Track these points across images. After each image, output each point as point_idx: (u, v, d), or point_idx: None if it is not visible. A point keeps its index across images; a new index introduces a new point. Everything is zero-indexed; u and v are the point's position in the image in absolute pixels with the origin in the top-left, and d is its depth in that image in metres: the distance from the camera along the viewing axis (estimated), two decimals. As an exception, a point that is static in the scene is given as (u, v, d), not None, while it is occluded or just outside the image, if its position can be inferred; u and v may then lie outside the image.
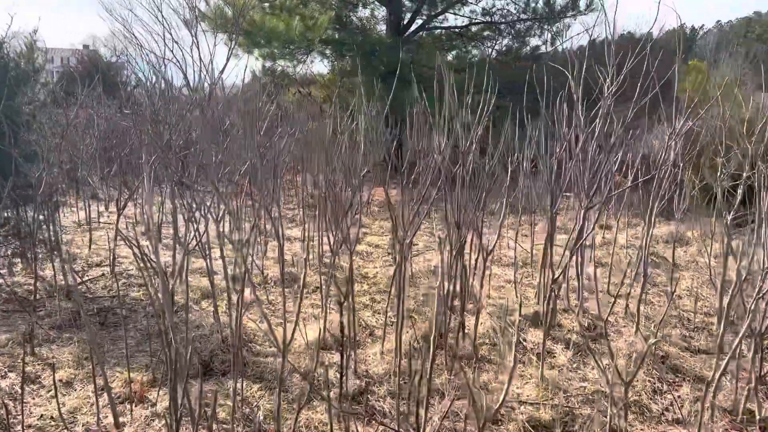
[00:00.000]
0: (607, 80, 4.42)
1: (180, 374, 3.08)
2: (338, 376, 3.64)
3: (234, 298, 4.57)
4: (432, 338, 2.81)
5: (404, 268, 3.77)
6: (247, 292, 5.26)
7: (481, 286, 4.67)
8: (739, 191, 4.43)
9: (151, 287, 3.06)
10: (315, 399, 3.41)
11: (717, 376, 3.17)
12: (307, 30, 11.73)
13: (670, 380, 3.79)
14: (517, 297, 5.22)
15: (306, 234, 7.07)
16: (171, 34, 10.31)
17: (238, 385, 3.42)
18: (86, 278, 5.58)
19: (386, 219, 8.48)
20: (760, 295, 3.15)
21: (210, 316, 4.53)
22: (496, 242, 4.66)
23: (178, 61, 10.87)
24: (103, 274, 5.71)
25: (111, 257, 5.83)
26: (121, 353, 3.97)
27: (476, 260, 4.66)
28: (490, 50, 15.36)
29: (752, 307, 3.14)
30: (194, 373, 3.67)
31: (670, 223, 7.83)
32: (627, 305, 4.96)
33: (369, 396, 3.45)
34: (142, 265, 2.84)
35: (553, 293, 3.90)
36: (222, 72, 10.57)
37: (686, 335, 4.54)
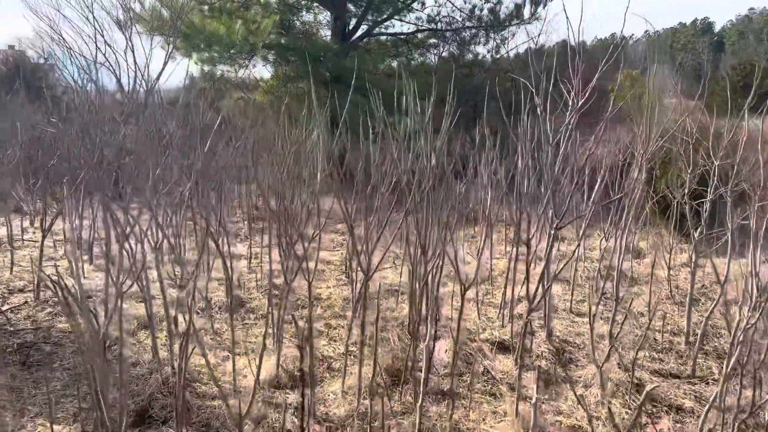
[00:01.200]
0: (572, 93, 4.23)
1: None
2: (294, 421, 3.30)
3: (176, 329, 4.16)
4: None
5: (366, 300, 3.44)
6: (187, 320, 4.83)
7: (459, 324, 4.40)
8: (706, 208, 4.31)
9: (74, 323, 2.64)
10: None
11: (705, 412, 2.97)
12: (250, 34, 11.25)
13: (648, 411, 3.60)
14: (479, 318, 4.97)
15: (251, 251, 6.66)
16: (103, 36, 9.71)
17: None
18: (6, 307, 5.00)
19: (337, 232, 8.13)
20: (752, 323, 2.96)
21: (148, 351, 4.08)
22: (476, 275, 4.40)
23: (111, 65, 10.23)
24: (26, 302, 5.14)
25: (35, 282, 5.28)
26: (44, 400, 3.49)
27: (437, 280, 4.39)
28: (435, 57, 15.27)
29: (741, 338, 2.96)
30: (131, 422, 3.25)
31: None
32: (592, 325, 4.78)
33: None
34: (64, 303, 2.41)
35: (526, 327, 3.65)
36: (159, 77, 10.01)
37: (654, 357, 4.39)
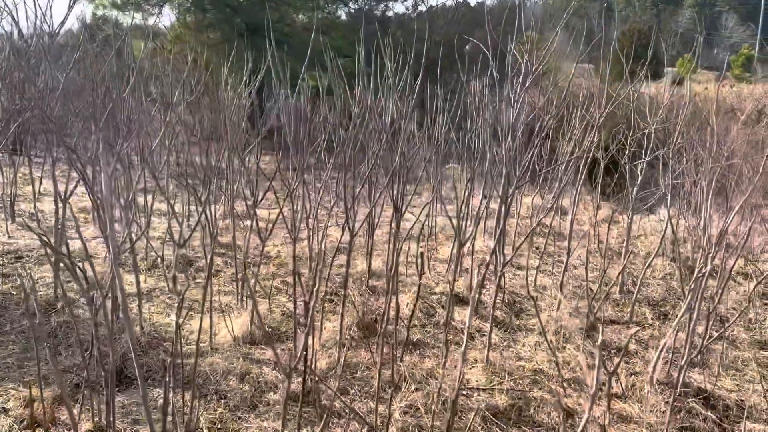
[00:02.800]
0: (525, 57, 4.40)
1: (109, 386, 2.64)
2: (278, 375, 3.36)
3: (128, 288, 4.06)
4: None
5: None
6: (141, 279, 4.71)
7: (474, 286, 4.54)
8: (642, 168, 4.68)
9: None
10: (259, 405, 3.10)
11: (659, 353, 3.31)
12: (164, -22, 10.67)
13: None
14: (429, 273, 5.17)
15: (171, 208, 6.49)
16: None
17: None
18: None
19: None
20: (704, 272, 3.29)
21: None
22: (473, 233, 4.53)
23: (7, 6, 9.37)
24: (-51, 263, 4.79)
25: (-41, 242, 4.91)
26: (5, 364, 3.34)
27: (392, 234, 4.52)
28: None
29: (692, 286, 3.30)
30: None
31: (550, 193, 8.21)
32: (534, 278, 5.11)
33: (318, 395, 3.20)
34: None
35: (483, 275, 3.86)
36: (63, 23, 9.28)
37: (594, 306, 4.77)
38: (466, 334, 2.89)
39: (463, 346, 2.89)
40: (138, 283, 3.82)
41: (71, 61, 5.45)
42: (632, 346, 4.02)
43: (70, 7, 10.26)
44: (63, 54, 7.43)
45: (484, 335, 4.09)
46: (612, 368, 2.35)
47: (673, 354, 3.68)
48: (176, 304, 4.27)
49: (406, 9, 14.98)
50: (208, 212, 4.06)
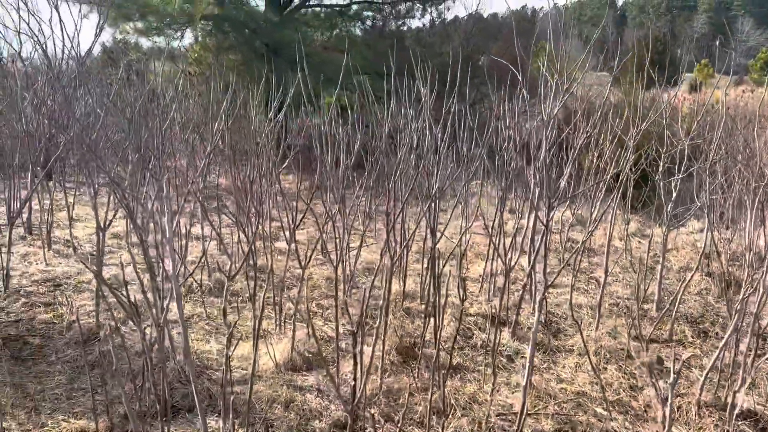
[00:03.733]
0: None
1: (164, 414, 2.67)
2: (321, 402, 3.37)
3: (166, 313, 4.10)
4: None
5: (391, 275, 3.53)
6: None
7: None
8: (676, 184, 4.65)
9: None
10: (306, 432, 3.11)
11: (705, 374, 3.27)
12: (186, 3, 10.83)
13: (640, 375, 3.91)
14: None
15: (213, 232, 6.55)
16: (26, 5, 9.04)
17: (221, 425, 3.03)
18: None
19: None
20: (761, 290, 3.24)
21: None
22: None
23: (36, 36, 9.57)
24: (-9, 293, 4.87)
25: (4, 271, 5.00)
26: (53, 395, 3.39)
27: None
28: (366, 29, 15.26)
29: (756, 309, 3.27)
30: (154, 413, 3.22)
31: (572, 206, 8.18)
32: (569, 296, 5.08)
33: (364, 423, 3.21)
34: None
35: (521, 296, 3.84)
36: (90, 49, 9.47)
37: (630, 323, 4.73)
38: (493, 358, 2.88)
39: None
40: (181, 313, 3.85)
41: (100, 86, 5.59)
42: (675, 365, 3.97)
43: (97, 35, 10.42)
44: (90, 80, 7.57)
45: (523, 357, 4.07)
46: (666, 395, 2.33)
47: (720, 373, 3.64)
48: (216, 331, 4.33)
49: (423, 24, 14.98)
50: (244, 235, 4.10)
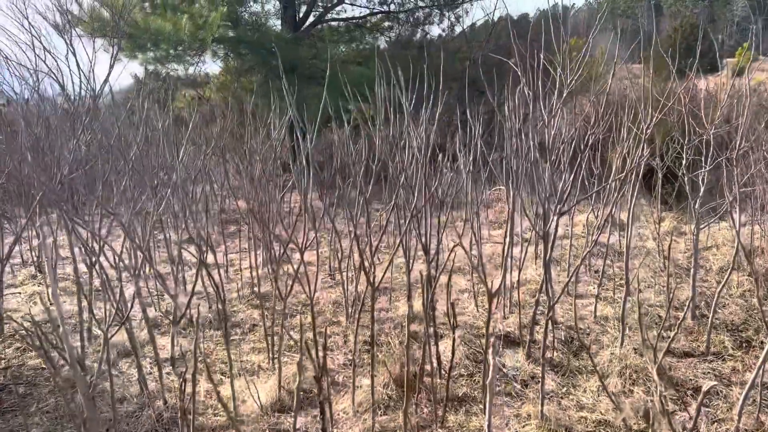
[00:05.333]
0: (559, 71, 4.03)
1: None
2: (307, 446, 3.05)
3: (162, 353, 3.87)
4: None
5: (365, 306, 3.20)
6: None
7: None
8: (704, 177, 4.19)
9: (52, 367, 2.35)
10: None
11: (744, 395, 2.81)
12: (198, 29, 10.76)
13: (672, 397, 3.46)
14: (477, 310, 4.78)
15: (226, 258, 6.34)
16: (41, 42, 9.09)
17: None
18: (-33, 346, 4.59)
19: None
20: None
21: (134, 383, 3.76)
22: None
23: (53, 73, 9.63)
24: (-12, 338, 4.73)
25: (-3, 315, 4.86)
26: (26, 451, 3.17)
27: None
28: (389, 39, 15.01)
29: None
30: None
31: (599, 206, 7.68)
32: (594, 307, 4.64)
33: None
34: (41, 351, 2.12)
35: (534, 312, 3.45)
36: (106, 81, 9.46)
37: (663, 335, 4.26)
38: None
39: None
40: (157, 353, 3.60)
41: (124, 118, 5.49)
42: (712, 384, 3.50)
43: (111, 66, 10.43)
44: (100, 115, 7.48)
45: (539, 381, 3.67)
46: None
47: (762, 392, 3.17)
48: (207, 369, 4.05)
49: (443, 30, 14.66)
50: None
